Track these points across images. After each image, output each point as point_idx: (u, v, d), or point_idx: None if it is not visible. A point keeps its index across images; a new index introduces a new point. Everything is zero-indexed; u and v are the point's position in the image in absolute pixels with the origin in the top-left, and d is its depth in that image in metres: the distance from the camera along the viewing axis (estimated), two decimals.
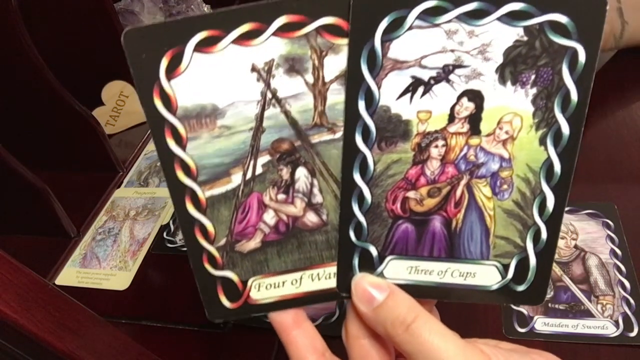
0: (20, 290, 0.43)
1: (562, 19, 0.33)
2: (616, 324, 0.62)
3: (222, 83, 0.36)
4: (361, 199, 0.38)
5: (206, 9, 1.20)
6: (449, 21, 0.34)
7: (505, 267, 0.39)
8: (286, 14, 0.34)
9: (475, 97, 0.36)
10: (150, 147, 1.06)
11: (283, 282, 0.40)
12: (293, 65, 0.36)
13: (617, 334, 0.62)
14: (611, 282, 0.66)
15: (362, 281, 0.38)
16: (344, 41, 0.35)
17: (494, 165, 0.37)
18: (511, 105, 0.36)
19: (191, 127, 0.36)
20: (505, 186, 0.38)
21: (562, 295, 0.66)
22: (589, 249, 0.69)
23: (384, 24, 0.34)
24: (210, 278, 0.40)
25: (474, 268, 0.39)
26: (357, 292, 0.38)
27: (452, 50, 0.35)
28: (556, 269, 0.68)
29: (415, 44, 0.35)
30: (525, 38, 0.34)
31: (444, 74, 0.35)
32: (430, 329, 0.35)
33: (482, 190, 0.38)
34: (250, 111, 0.36)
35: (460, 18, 0.34)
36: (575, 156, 0.36)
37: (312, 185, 0.39)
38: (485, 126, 0.36)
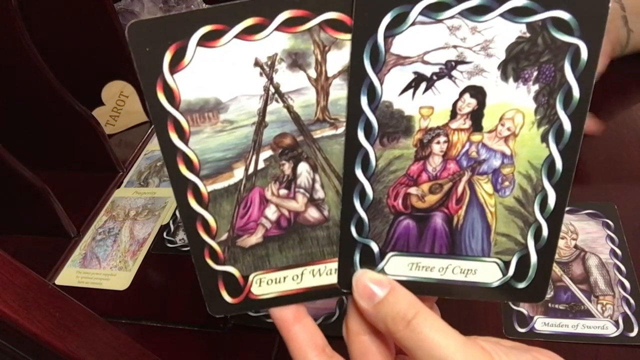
0: (20, 290, 0.43)
1: (564, 15, 0.33)
2: (616, 324, 0.62)
3: (225, 77, 0.36)
4: (363, 194, 0.38)
5: None
6: (452, 17, 0.34)
7: (506, 264, 0.39)
8: (289, 8, 0.34)
9: (478, 93, 0.36)
10: (150, 147, 1.06)
11: (284, 278, 0.40)
12: (296, 60, 0.36)
13: (617, 334, 0.62)
14: (611, 282, 0.66)
15: (363, 277, 0.38)
16: (347, 36, 0.35)
17: (496, 162, 0.37)
18: (513, 101, 0.36)
19: (194, 121, 0.36)
20: (506, 183, 0.38)
21: (562, 295, 0.66)
22: (589, 249, 0.69)
23: (387, 19, 0.34)
24: (212, 273, 0.40)
25: (474, 265, 0.39)
26: (358, 288, 0.38)
27: (455, 46, 0.35)
28: (556, 269, 0.68)
29: (418, 39, 0.35)
30: (528, 34, 0.34)
31: (447, 70, 0.35)
32: (431, 325, 0.35)
33: (484, 187, 0.38)
34: (253, 106, 0.37)
35: (463, 14, 0.34)
36: (577, 153, 0.36)
37: (314, 180, 0.39)
38: (487, 122, 0.36)
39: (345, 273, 0.40)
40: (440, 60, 0.35)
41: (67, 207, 0.88)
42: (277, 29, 0.35)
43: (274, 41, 0.35)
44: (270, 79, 0.36)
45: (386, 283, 0.38)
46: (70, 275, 0.85)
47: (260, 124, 0.37)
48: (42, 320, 0.44)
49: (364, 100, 0.36)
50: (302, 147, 0.38)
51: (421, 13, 0.34)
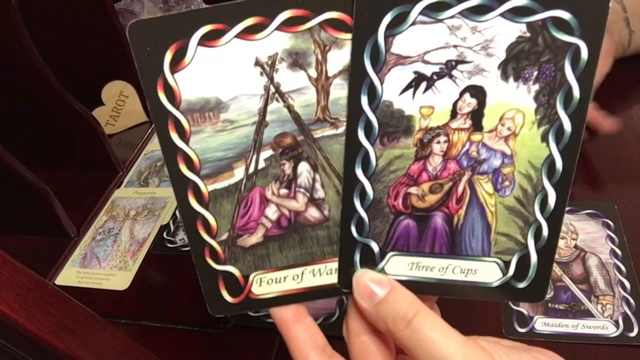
0: (20, 290, 0.43)
1: (564, 15, 0.33)
2: (616, 324, 0.62)
3: (225, 77, 0.36)
4: (363, 194, 0.38)
5: None
6: (452, 17, 0.34)
7: (506, 264, 0.39)
8: (290, 8, 0.34)
9: (478, 93, 0.36)
10: (150, 147, 1.06)
11: (284, 277, 0.40)
12: (296, 60, 0.36)
13: (617, 334, 0.62)
14: (611, 282, 0.66)
15: (363, 277, 0.38)
16: (348, 36, 0.35)
17: (496, 162, 0.37)
18: (513, 101, 0.36)
19: (194, 120, 0.36)
20: (506, 183, 0.38)
21: (562, 295, 0.66)
22: (589, 249, 0.69)
23: (387, 19, 0.34)
24: (212, 272, 0.40)
25: (475, 265, 0.39)
26: (358, 287, 0.38)
27: (455, 46, 0.35)
28: (556, 269, 0.68)
29: (419, 39, 0.35)
30: (528, 34, 0.34)
31: (447, 69, 0.35)
32: (431, 325, 0.35)
33: (484, 187, 0.38)
34: (254, 105, 0.37)
35: (464, 14, 0.34)
36: (577, 153, 0.36)
37: (314, 180, 0.39)
38: (487, 122, 0.36)
39: (346, 273, 0.40)
40: (440, 60, 0.35)
41: (67, 207, 0.88)
42: (277, 28, 0.35)
43: (275, 41, 0.35)
44: (271, 79, 0.36)
45: (386, 283, 0.38)
46: (70, 275, 0.85)
47: (261, 124, 0.37)
48: (42, 320, 0.44)
49: (364, 100, 0.36)
50: (302, 147, 0.38)
51: (421, 13, 0.34)
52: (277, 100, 0.37)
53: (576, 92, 0.35)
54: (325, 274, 0.40)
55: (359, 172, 0.38)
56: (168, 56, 0.35)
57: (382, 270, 0.39)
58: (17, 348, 0.46)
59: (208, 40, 0.35)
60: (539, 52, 0.34)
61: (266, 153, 0.38)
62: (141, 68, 0.35)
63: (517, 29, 0.34)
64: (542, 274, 0.39)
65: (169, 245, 0.85)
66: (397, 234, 0.39)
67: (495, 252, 0.39)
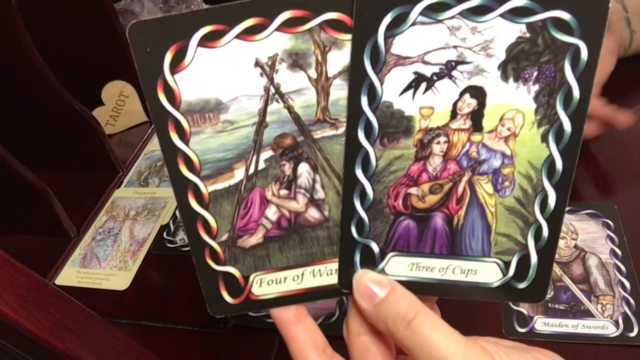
0: (20, 290, 0.43)
1: (564, 15, 0.33)
2: (616, 324, 0.62)
3: (225, 78, 0.36)
4: (363, 195, 0.38)
5: None
6: (452, 17, 0.34)
7: (507, 265, 0.39)
8: (290, 9, 0.34)
9: (478, 93, 0.36)
10: (150, 147, 1.06)
11: (285, 278, 0.40)
12: (296, 61, 0.36)
13: (617, 334, 0.62)
14: (611, 282, 0.66)
15: (363, 277, 0.38)
16: (348, 37, 0.35)
17: (496, 162, 0.37)
18: (513, 101, 0.36)
19: (194, 121, 0.37)
20: (506, 183, 0.38)
21: (562, 295, 0.66)
22: (589, 249, 0.69)
23: (387, 19, 0.34)
24: (212, 273, 0.40)
25: (475, 265, 0.39)
26: (358, 288, 0.38)
27: (455, 47, 0.35)
28: (556, 269, 0.68)
29: (419, 40, 0.35)
30: (528, 35, 0.34)
31: (447, 70, 0.35)
32: (432, 326, 0.35)
33: (484, 187, 0.38)
34: (254, 106, 0.37)
35: (463, 14, 0.34)
36: (577, 153, 0.36)
37: (314, 181, 0.39)
38: (487, 123, 0.36)
39: (346, 273, 0.40)
40: (440, 61, 0.35)
41: (67, 207, 0.88)
42: (277, 29, 0.35)
43: (275, 41, 0.35)
44: (271, 80, 0.36)
45: (386, 283, 0.38)
46: (70, 275, 0.85)
47: (261, 125, 0.37)
48: (42, 320, 0.44)
49: (364, 101, 0.36)
50: (302, 148, 0.38)
51: (421, 13, 0.34)
52: (277, 101, 0.37)
53: (576, 93, 0.35)
54: (325, 274, 0.40)
55: (359, 173, 0.38)
56: (168, 57, 0.35)
57: (382, 271, 0.39)
58: (17, 348, 0.46)
59: (208, 41, 0.35)
60: (538, 52, 0.34)
61: (266, 154, 0.38)
62: (141, 69, 0.35)
63: (517, 30, 0.34)
64: (542, 274, 0.39)
65: (169, 245, 0.85)
66: (397, 234, 0.39)
67: (495, 253, 0.39)
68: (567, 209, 0.37)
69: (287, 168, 0.38)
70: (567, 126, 0.35)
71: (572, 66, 0.34)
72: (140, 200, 0.95)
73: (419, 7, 0.34)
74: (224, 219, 0.39)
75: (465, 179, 0.38)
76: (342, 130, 0.37)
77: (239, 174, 0.38)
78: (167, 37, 0.35)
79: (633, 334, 0.61)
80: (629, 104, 0.84)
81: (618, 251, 0.69)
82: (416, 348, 0.35)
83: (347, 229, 0.39)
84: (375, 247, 0.39)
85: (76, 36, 1.00)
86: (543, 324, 0.64)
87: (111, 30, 0.98)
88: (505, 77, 0.35)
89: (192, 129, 0.37)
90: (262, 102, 0.37)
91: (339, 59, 0.36)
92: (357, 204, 0.38)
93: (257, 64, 0.36)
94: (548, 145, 0.36)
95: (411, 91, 0.36)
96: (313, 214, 0.39)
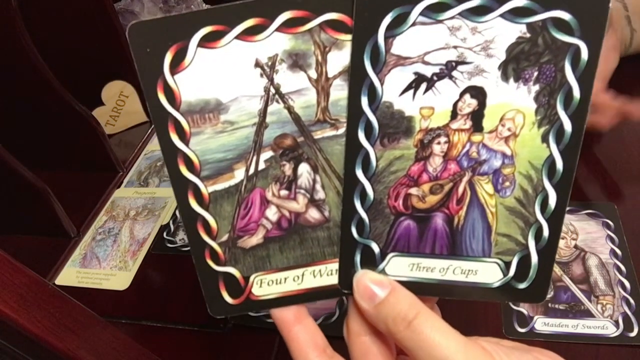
0: (20, 290, 0.43)
1: (564, 15, 0.33)
2: (616, 324, 0.62)
3: (225, 78, 0.36)
4: (363, 195, 0.38)
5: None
6: (452, 17, 0.34)
7: (507, 265, 0.39)
8: (290, 9, 0.34)
9: (478, 93, 0.36)
10: (150, 147, 1.06)
11: (285, 279, 0.40)
12: (296, 61, 0.36)
13: (617, 334, 0.62)
14: (611, 282, 0.66)
15: (363, 278, 0.38)
16: (348, 37, 0.35)
17: (496, 162, 0.37)
18: (514, 102, 0.36)
19: (194, 122, 0.36)
20: (507, 183, 0.38)
21: (562, 295, 0.66)
22: (589, 249, 0.69)
23: (387, 20, 0.34)
24: (213, 274, 0.40)
25: (475, 265, 0.39)
26: (358, 288, 0.38)
27: (455, 47, 0.35)
28: (556, 269, 0.68)
29: (419, 40, 0.35)
30: (528, 35, 0.34)
31: (447, 70, 0.35)
32: (432, 326, 0.35)
33: (484, 187, 0.38)
34: (254, 106, 0.37)
35: (464, 14, 0.34)
36: (577, 153, 0.36)
37: (314, 181, 0.39)
38: (487, 123, 0.36)
39: (346, 274, 0.40)
40: (440, 61, 0.35)
41: (67, 207, 0.88)
42: (277, 29, 0.35)
43: (275, 42, 0.35)
44: (271, 80, 0.36)
45: (387, 284, 0.37)
46: (70, 275, 0.85)
47: (261, 125, 0.37)
48: (42, 320, 0.44)
49: (364, 101, 0.36)
50: (302, 148, 0.38)
51: (421, 13, 0.34)
52: (277, 101, 0.37)
53: (576, 93, 0.35)
54: (325, 275, 0.40)
55: (359, 173, 0.38)
56: (168, 57, 0.35)
57: (383, 271, 0.39)
58: (17, 348, 0.46)
59: (208, 41, 0.35)
60: (539, 52, 0.34)
61: (266, 154, 0.38)
62: (141, 69, 0.35)
63: (517, 30, 0.34)
64: (542, 274, 0.39)
65: (169, 245, 0.85)
66: (397, 234, 0.39)
67: (495, 253, 0.39)
68: (567, 208, 0.37)
69: (288, 168, 0.38)
70: (568, 126, 0.35)
71: (572, 66, 0.34)
72: (140, 200, 0.95)
73: (419, 8, 0.34)
74: (224, 219, 0.39)
75: (465, 179, 0.38)
76: (342, 130, 0.37)
77: (239, 174, 0.38)
78: (167, 38, 0.35)
79: (633, 334, 0.62)
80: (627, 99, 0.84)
81: (618, 251, 0.69)
82: (416, 348, 0.35)
83: (347, 230, 0.39)
84: (375, 248, 0.39)
85: (76, 36, 1.00)
86: (543, 324, 0.64)
87: (111, 30, 0.98)
88: (505, 77, 0.35)
89: (192, 129, 0.37)
90: (262, 103, 0.37)
91: (339, 59, 0.36)
92: (358, 204, 0.38)
93: (257, 64, 0.36)
94: (548, 146, 0.36)
95: (411, 91, 0.36)
96: (313, 214, 0.39)
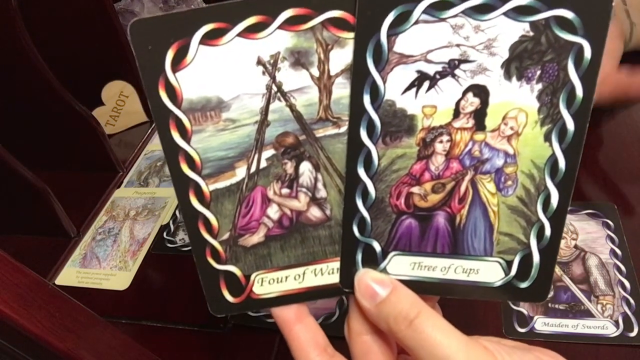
0: (20, 290, 0.43)
1: (568, 14, 0.33)
2: (616, 324, 0.62)
3: (227, 76, 0.36)
4: (365, 194, 0.38)
5: None
6: (455, 16, 0.34)
7: (509, 264, 0.39)
8: (292, 7, 0.34)
9: (481, 92, 0.36)
10: (150, 147, 1.06)
11: (286, 277, 0.40)
12: (299, 59, 0.36)
13: (617, 334, 0.62)
14: (611, 282, 0.66)
15: (365, 277, 0.38)
16: (350, 35, 0.35)
17: (499, 161, 0.37)
18: (516, 100, 0.36)
19: (196, 120, 0.36)
20: (509, 182, 0.38)
21: (562, 295, 0.66)
22: (589, 249, 0.69)
23: (390, 18, 0.34)
24: (213, 272, 0.40)
25: (477, 264, 0.39)
26: (360, 287, 0.38)
27: (458, 45, 0.35)
28: (556, 269, 0.68)
29: (421, 38, 0.35)
30: (531, 33, 0.34)
31: (450, 68, 0.35)
32: (433, 325, 0.35)
33: (487, 186, 0.38)
34: (255, 104, 0.37)
35: (467, 13, 0.34)
36: (580, 153, 0.36)
37: (316, 179, 0.39)
38: (490, 122, 0.36)
39: (348, 272, 0.40)
40: (443, 59, 0.35)
41: (67, 207, 0.88)
42: (279, 27, 0.35)
43: (277, 39, 0.35)
44: (273, 78, 0.36)
45: (388, 282, 0.37)
46: (70, 275, 0.85)
47: (263, 123, 0.37)
48: (42, 320, 0.44)
49: (366, 99, 0.36)
50: (304, 146, 0.38)
51: (424, 12, 0.34)
52: (279, 99, 0.36)
53: (579, 92, 0.35)
54: (327, 273, 0.40)
55: (361, 172, 0.38)
56: (169, 55, 0.35)
57: (384, 270, 0.39)
58: (17, 348, 0.46)
59: (210, 39, 0.35)
60: (542, 51, 0.34)
61: (268, 152, 0.38)
62: (142, 67, 0.35)
63: (520, 28, 0.34)
64: (544, 273, 0.39)
65: (169, 245, 0.85)
66: (399, 233, 0.39)
67: (497, 252, 0.39)
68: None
69: (289, 167, 0.38)
70: (570, 125, 0.35)
71: (575, 65, 0.34)
72: (140, 200, 0.95)
73: (422, 6, 0.34)
74: (225, 217, 0.39)
75: (467, 178, 0.38)
76: (344, 128, 0.37)
77: (240, 172, 0.38)
78: (168, 35, 0.34)
79: (633, 334, 0.61)
80: None
81: (618, 251, 0.68)
82: (418, 347, 0.35)
83: (349, 228, 0.39)
84: (377, 246, 0.39)
85: (76, 36, 0.99)
86: (543, 324, 0.64)
87: (111, 30, 0.98)
88: (508, 75, 0.35)
89: (193, 127, 0.37)
90: (264, 101, 0.36)
91: (342, 57, 0.36)
92: (359, 202, 0.38)
93: (259, 62, 0.36)
94: (551, 145, 0.36)
95: (414, 90, 0.36)
96: (315, 212, 0.39)
